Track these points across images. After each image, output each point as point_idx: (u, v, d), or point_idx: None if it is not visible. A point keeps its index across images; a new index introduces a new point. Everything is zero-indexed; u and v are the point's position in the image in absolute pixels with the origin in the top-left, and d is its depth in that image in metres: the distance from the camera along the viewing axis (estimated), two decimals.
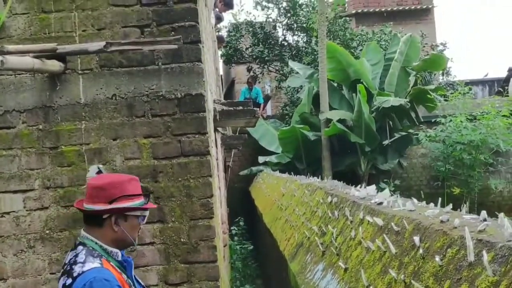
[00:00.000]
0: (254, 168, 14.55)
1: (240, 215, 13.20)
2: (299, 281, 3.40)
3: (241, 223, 12.51)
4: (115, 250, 2.69)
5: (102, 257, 2.60)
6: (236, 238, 12.30)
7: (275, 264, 6.18)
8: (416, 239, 2.00)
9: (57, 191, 3.87)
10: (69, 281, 2.49)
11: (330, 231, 3.25)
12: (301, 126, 13.47)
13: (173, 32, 3.87)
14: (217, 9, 11.52)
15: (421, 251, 1.93)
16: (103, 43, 3.50)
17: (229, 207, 13.30)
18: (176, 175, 3.93)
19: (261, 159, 14.27)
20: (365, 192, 3.28)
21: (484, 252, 1.52)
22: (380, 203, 2.85)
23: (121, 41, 3.58)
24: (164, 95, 3.92)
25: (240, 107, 5.91)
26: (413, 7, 21.66)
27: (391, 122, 13.46)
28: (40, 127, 3.89)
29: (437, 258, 1.78)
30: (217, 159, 6.74)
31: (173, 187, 3.94)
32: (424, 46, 17.20)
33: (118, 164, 3.89)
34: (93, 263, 2.54)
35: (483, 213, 1.87)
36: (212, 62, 7.24)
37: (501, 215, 1.68)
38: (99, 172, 2.94)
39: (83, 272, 2.48)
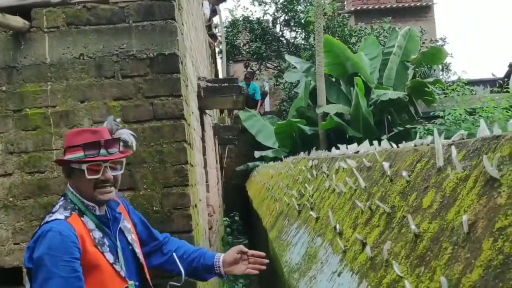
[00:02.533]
0: (250, 164, 14.32)
1: (236, 211, 12.97)
2: (275, 245, 3.18)
3: (236, 218, 12.28)
4: (91, 204, 2.54)
5: (75, 210, 2.48)
6: (231, 232, 12.07)
7: (264, 248, 5.95)
8: (386, 164, 1.77)
9: (21, 156, 3.65)
10: (36, 230, 2.41)
11: (308, 191, 3.03)
12: (298, 120, 13.25)
13: None
14: (209, 2, 11.33)
15: (389, 173, 1.70)
16: None
17: (225, 204, 13.09)
18: (148, 139, 3.71)
19: (257, 154, 14.05)
20: (345, 149, 3.05)
21: (453, 148, 1.29)
22: (357, 152, 2.62)
23: None
24: (135, 54, 3.70)
25: (226, 84, 5.69)
26: (412, 4, 21.47)
27: (389, 117, 13.22)
28: (3, 88, 3.67)
29: (404, 173, 1.55)
30: (204, 142, 6.54)
31: (144, 152, 3.71)
32: (423, 43, 16.99)
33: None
34: (59, 215, 2.42)
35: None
36: (199, 42, 7.05)
37: (482, 121, 1.44)
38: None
39: (47, 222, 2.39)
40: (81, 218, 2.47)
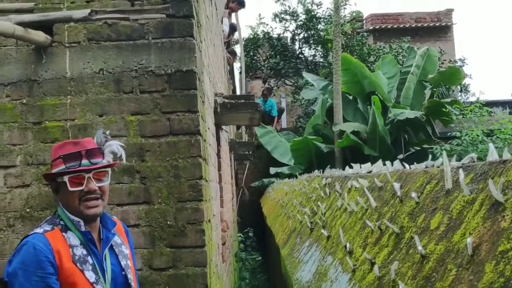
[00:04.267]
0: (265, 180, 14.33)
1: (250, 227, 12.95)
2: (287, 262, 3.19)
3: (251, 234, 12.26)
4: (76, 219, 2.44)
5: (58, 225, 2.40)
6: (244, 248, 12.05)
7: (276, 264, 5.96)
8: (397, 185, 1.79)
9: (39, 168, 3.71)
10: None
11: (320, 209, 3.04)
12: (314, 137, 13.25)
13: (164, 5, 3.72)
14: (227, 12, 11.45)
15: (399, 193, 1.72)
16: (88, 10, 3.37)
17: (240, 218, 13.09)
18: (164, 154, 3.76)
19: (272, 170, 14.06)
20: (359, 167, 3.07)
21: (460, 171, 1.30)
22: (370, 171, 2.64)
23: (107, 9, 3.44)
24: (153, 70, 3.77)
25: (242, 100, 5.74)
26: (431, 24, 21.45)
27: (406, 136, 13.18)
28: (24, 101, 3.75)
29: (414, 195, 1.57)
30: (219, 158, 6.58)
31: (160, 166, 3.75)
32: (442, 63, 16.94)
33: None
34: (39, 229, 2.36)
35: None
36: (217, 59, 7.12)
37: (491, 145, 1.46)
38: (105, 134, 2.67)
39: (27, 235, 2.34)
40: (63, 233, 2.39)
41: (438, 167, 1.69)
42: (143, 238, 3.71)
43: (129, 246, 2.69)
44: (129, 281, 2.56)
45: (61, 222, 2.42)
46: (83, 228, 2.44)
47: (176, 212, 3.73)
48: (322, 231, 2.55)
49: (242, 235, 11.72)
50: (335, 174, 3.50)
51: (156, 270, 3.73)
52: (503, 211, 1.06)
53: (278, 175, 13.92)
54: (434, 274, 1.19)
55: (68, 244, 2.37)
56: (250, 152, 11.30)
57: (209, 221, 4.14)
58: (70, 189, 2.35)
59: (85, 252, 2.41)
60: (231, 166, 10.38)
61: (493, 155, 1.35)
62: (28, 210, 3.67)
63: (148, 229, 3.71)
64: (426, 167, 1.79)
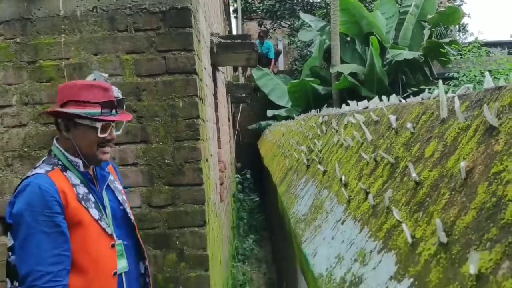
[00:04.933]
0: (263, 123, 14.35)
1: (248, 169, 13.06)
2: (284, 199, 3.24)
3: (248, 176, 12.38)
4: (76, 160, 2.47)
5: (58, 165, 2.42)
6: (242, 189, 12.19)
7: (273, 203, 6.04)
8: (392, 118, 1.79)
9: (35, 107, 3.71)
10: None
11: (317, 147, 3.06)
12: (311, 79, 13.18)
13: None
14: None
15: (394, 125, 1.73)
16: None
17: (237, 161, 13.17)
18: (160, 93, 3.75)
19: (269, 112, 14.05)
20: (355, 105, 3.07)
21: (456, 99, 1.31)
22: (366, 107, 2.64)
23: None
24: (147, 8, 3.71)
25: (239, 40, 5.67)
26: None
27: (404, 77, 13.12)
28: (18, 40, 3.70)
29: (409, 125, 1.58)
30: (216, 99, 6.56)
31: (157, 106, 3.75)
32: (441, 2, 16.68)
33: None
34: (40, 169, 2.37)
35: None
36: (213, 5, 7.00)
37: (487, 73, 1.45)
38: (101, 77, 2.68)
39: (27, 176, 2.33)
40: (64, 173, 2.41)
41: (434, 98, 1.69)
42: (142, 176, 3.75)
43: (120, 183, 2.75)
44: (128, 215, 2.63)
45: (60, 162, 2.44)
46: (81, 169, 2.47)
47: (174, 151, 3.75)
48: (318, 166, 2.57)
49: (239, 176, 11.83)
50: (332, 112, 3.50)
51: (155, 208, 3.78)
52: (497, 135, 1.07)
53: (275, 118, 13.94)
54: (428, 199, 1.21)
55: (70, 183, 2.39)
56: (247, 95, 11.26)
57: (206, 160, 4.17)
58: (100, 135, 2.40)
59: (86, 191, 2.45)
60: (228, 108, 10.37)
61: (488, 84, 1.35)
62: (26, 149, 3.69)
63: (146, 167, 3.73)
64: (422, 99, 1.79)
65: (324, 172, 2.47)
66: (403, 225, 1.19)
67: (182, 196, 3.75)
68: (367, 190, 1.65)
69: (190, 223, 3.77)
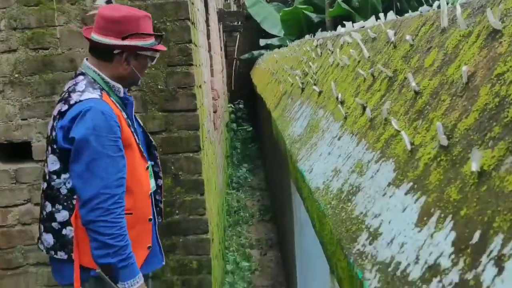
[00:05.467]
0: (255, 52, 14.17)
1: (241, 100, 13.01)
2: (278, 122, 3.23)
3: (241, 106, 12.35)
4: (117, 85, 2.59)
5: (103, 90, 2.51)
6: (235, 119, 12.18)
7: (267, 130, 6.04)
8: (391, 32, 1.75)
9: (24, 32, 3.62)
10: (65, 107, 2.40)
11: (311, 69, 3.02)
12: (304, 7, 12.93)
13: None
14: None
15: (393, 39, 1.69)
16: None
17: (229, 92, 13.10)
18: (151, 17, 3.65)
19: (262, 41, 13.86)
20: (351, 26, 3.01)
21: (457, 6, 1.27)
22: (363, 27, 2.59)
23: None
24: None
25: None
26: None
27: (398, 4, 12.89)
28: None
29: (408, 37, 1.54)
30: (208, 26, 6.44)
31: None
32: None
33: (88, 4, 3.61)
34: (92, 94, 2.43)
35: None
36: None
37: None
38: (109, 1, 2.70)
39: (80, 100, 2.38)
40: (110, 98, 2.51)
41: (434, 9, 1.65)
42: (135, 102, 3.72)
43: None
44: (152, 142, 2.84)
45: (100, 87, 2.52)
46: (122, 94, 2.61)
47: (167, 77, 3.71)
48: (314, 87, 2.55)
49: (233, 106, 11.80)
50: (327, 35, 3.44)
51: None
52: (500, 38, 1.04)
53: (268, 47, 13.76)
54: (427, 106, 1.20)
55: (118, 108, 2.51)
56: (239, 23, 11.06)
57: (199, 86, 4.13)
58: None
59: (125, 116, 2.57)
60: (220, 37, 10.21)
61: None
62: (16, 75, 3.63)
63: (139, 93, 3.70)
64: (421, 12, 1.74)
65: (320, 93, 2.45)
66: (402, 132, 1.18)
67: (176, 122, 3.74)
68: (364, 105, 1.64)
69: (184, 148, 3.77)
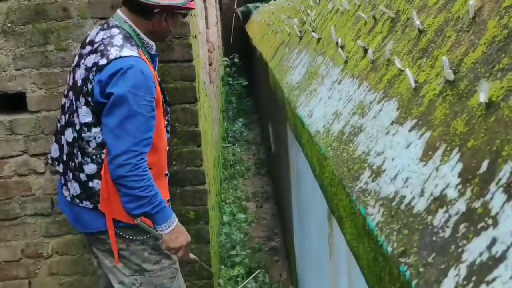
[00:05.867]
0: (250, 5, 13.96)
1: (236, 54, 12.88)
2: (275, 72, 3.19)
3: (236, 60, 12.24)
4: (151, 42, 2.62)
5: (138, 47, 2.51)
6: (231, 73, 12.10)
7: (264, 83, 6.00)
8: None
9: None
10: (103, 61, 2.40)
11: (310, 17, 2.97)
12: None
13: None
14: None
15: None
16: None
17: (224, 46, 12.96)
18: None
19: None
20: None
21: None
22: None
23: None
24: None
25: None
26: None
27: None
28: None
29: None
30: None
31: None
32: None
33: None
34: (131, 51, 2.44)
35: None
36: None
37: None
38: None
39: (120, 56, 2.39)
40: (144, 55, 2.53)
41: None
42: None
43: None
44: (167, 98, 2.82)
45: (136, 44, 2.53)
46: (153, 51, 2.68)
47: None
48: (313, 34, 2.51)
49: (228, 60, 11.70)
50: None
51: None
52: None
53: (264, 0, 13.54)
54: (432, 44, 1.18)
55: (151, 65, 2.56)
56: None
57: (195, 37, 4.07)
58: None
59: (155, 73, 2.63)
60: None
61: None
62: (9, 25, 3.56)
63: None
64: None
65: (319, 40, 2.41)
66: (407, 70, 1.16)
67: (172, 73, 3.70)
68: (366, 47, 1.61)
69: (181, 99, 3.74)
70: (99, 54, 2.44)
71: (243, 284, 4.41)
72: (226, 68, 11.63)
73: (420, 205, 0.86)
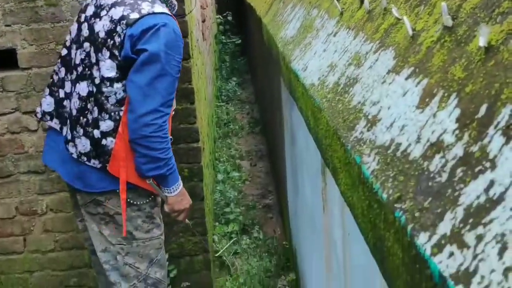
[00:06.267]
0: None
1: (229, 11, 12.70)
2: (269, 27, 3.15)
3: (229, 18, 12.08)
4: (175, 2, 2.60)
5: (167, 6, 2.49)
6: (224, 32, 11.96)
7: (258, 40, 5.93)
8: None
9: None
10: (134, 15, 2.29)
11: None
12: None
13: None
14: None
15: None
16: None
17: (217, 3, 12.77)
18: None
19: None
20: None
21: None
22: None
23: None
24: None
25: None
26: None
27: None
28: None
29: None
30: None
31: None
32: None
33: None
34: (163, 8, 2.37)
35: None
36: None
37: None
38: None
39: (154, 12, 2.30)
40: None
41: None
42: None
43: None
44: None
45: (164, 1, 2.48)
46: (175, 11, 2.60)
47: None
48: None
49: (221, 18, 11.56)
50: None
51: None
52: None
53: None
54: None
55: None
56: None
57: None
58: None
59: None
60: None
61: None
62: None
63: None
64: None
65: None
66: (404, 18, 1.14)
67: None
68: None
69: None
70: (128, 7, 2.32)
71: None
72: (220, 26, 11.49)
73: (416, 152, 0.85)
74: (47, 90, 2.71)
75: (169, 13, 2.41)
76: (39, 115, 2.74)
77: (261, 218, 5.14)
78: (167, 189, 2.53)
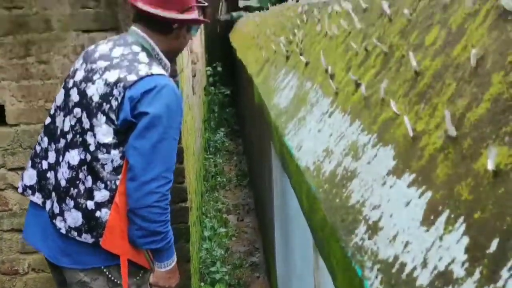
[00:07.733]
0: (234, 14, 13.92)
1: (219, 62, 12.82)
2: (261, 90, 3.14)
3: (219, 69, 12.19)
4: (168, 64, 2.50)
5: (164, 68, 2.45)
6: (213, 83, 12.03)
7: (249, 96, 5.95)
8: (385, 4, 1.67)
9: None
10: (132, 77, 2.21)
11: (297, 37, 2.93)
12: None
13: None
14: None
15: (388, 11, 1.61)
16: None
17: (208, 54, 12.89)
18: None
19: (241, 3, 13.62)
20: None
21: None
22: None
23: None
24: None
25: None
26: None
27: None
28: None
29: (406, 11, 1.46)
30: None
31: None
32: None
33: None
34: (160, 69, 2.32)
35: None
36: None
37: None
38: None
39: (152, 74, 2.24)
40: None
41: None
42: None
43: None
44: None
45: (158, 63, 2.41)
46: (169, 71, 2.50)
47: None
48: (301, 57, 2.46)
49: (211, 69, 11.65)
50: (313, 1, 3.34)
51: None
52: None
53: (247, 9, 13.52)
54: (430, 90, 1.13)
55: None
56: None
57: None
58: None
59: None
60: None
61: None
62: None
63: None
64: None
65: (307, 64, 2.36)
66: (404, 117, 1.12)
67: None
68: (358, 81, 1.56)
69: None
70: (124, 69, 2.25)
71: None
72: (209, 78, 11.57)
73: (423, 278, 0.81)
74: (29, 162, 2.56)
75: (166, 74, 2.37)
76: (20, 190, 2.59)
77: (247, 277, 5.04)
78: (158, 264, 2.38)
